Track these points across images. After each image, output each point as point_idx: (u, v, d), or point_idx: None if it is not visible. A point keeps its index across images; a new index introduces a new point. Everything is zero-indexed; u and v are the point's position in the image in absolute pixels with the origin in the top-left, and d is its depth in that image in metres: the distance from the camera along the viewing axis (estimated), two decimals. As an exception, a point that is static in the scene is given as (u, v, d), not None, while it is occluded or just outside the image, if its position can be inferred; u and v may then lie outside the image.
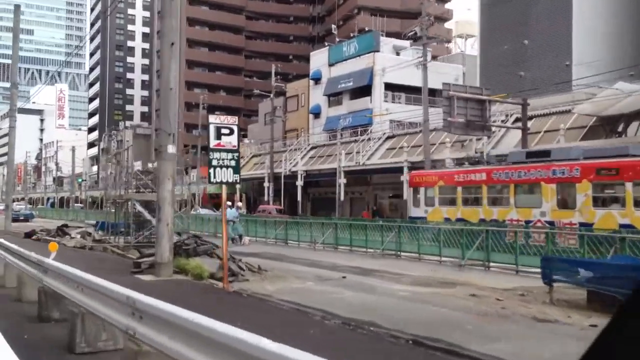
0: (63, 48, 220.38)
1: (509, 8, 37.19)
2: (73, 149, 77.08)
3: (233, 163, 9.79)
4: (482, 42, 41.89)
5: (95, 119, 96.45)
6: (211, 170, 9.66)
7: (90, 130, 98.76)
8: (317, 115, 45.50)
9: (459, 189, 19.09)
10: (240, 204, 34.68)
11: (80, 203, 67.42)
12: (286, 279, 12.13)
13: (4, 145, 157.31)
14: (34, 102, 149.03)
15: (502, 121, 29.95)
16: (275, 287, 10.93)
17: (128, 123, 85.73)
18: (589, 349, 0.94)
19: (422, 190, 21.28)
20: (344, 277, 12.56)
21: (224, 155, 9.71)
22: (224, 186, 9.98)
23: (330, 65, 45.19)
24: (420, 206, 20.84)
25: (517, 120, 29.15)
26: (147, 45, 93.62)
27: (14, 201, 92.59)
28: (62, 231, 22.09)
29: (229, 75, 71.12)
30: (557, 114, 27.74)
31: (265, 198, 45.86)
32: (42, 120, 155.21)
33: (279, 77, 49.32)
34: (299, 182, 41.37)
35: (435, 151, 32.52)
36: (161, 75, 11.84)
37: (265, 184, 45.92)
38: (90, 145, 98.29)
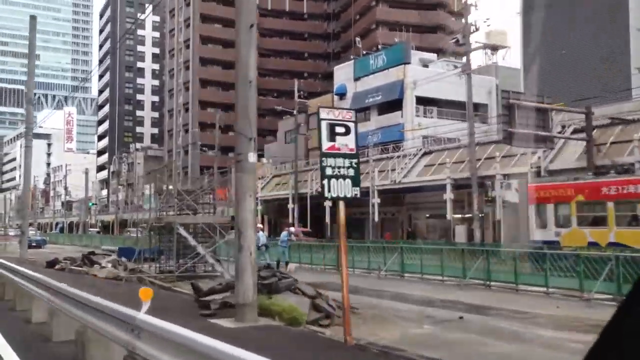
0: (69, 72, 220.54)
1: (553, 13, 35.16)
2: (86, 172, 75.04)
3: (352, 172, 7.35)
4: (524, 50, 39.83)
5: (104, 142, 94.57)
6: (325, 182, 7.23)
7: (100, 153, 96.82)
8: (342, 132, 43.44)
9: (610, 204, 15.99)
10: (260, 226, 32.34)
11: (95, 227, 64.89)
12: (394, 322, 9.62)
13: (11, 169, 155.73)
14: (40, 127, 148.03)
15: (559, 132, 27.60)
16: (392, 335, 8.43)
17: (139, 145, 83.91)
18: (597, 340, 0.95)
19: (549, 207, 18.05)
20: (461, 318, 10.04)
21: (340, 161, 7.29)
22: (341, 205, 7.45)
23: (356, 79, 43.11)
24: (549, 227, 17.63)
25: (575, 131, 26.81)
26: (157, 66, 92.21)
27: (33, 225, 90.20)
28: (89, 260, 19.59)
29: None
30: (623, 123, 25.32)
31: (290, 220, 43.38)
32: (49, 145, 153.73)
33: (302, 93, 47.30)
34: (328, 203, 38.98)
35: (481, 167, 30.14)
36: (238, 64, 9.53)
37: (290, 205, 43.50)
38: (100, 168, 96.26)
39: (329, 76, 71.51)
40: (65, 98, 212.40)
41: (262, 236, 21.57)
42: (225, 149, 62.95)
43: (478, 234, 26.50)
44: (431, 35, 60.60)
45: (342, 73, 45.08)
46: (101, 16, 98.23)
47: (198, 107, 67.93)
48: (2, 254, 30.14)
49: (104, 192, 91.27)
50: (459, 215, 32.49)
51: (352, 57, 47.71)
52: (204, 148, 65.97)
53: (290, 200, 43.54)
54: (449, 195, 30.66)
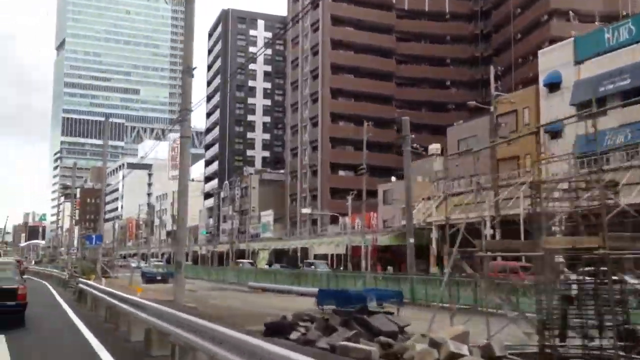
0: (167, 106, 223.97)
1: None
2: (204, 194, 68.02)
3: None
4: None
5: (212, 167, 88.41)
6: None
7: (207, 179, 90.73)
8: (555, 134, 32.32)
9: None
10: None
11: (246, 258, 55.79)
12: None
13: (114, 200, 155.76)
14: (142, 157, 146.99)
15: None
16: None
17: (251, 169, 76.63)
18: None
19: None
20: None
21: None
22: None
23: (578, 62, 32.23)
24: None
25: None
26: (269, 85, 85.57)
27: (127, 257, 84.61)
28: (360, 322, 9.62)
29: (376, 105, 59.60)
30: None
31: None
32: (150, 175, 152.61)
33: (449, 105, 37.01)
34: (559, 227, 27.89)
35: None
36: None
37: (487, 231, 32.69)
38: (207, 195, 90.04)
39: (474, 84, 61.14)
40: (163, 131, 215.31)
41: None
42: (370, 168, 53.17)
43: None
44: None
45: (553, 58, 34.33)
46: (210, 36, 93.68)
47: (329, 120, 59.22)
48: (143, 294, 21.64)
49: (212, 221, 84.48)
50: None
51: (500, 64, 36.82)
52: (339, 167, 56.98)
53: (487, 225, 32.81)
54: None
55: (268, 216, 65.66)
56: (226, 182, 78.98)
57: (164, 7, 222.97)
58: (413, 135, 32.67)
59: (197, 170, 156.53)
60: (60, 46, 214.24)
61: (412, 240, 28.48)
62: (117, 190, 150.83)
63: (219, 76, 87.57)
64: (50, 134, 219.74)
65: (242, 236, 66.12)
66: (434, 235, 36.94)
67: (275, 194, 70.67)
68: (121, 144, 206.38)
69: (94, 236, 30.36)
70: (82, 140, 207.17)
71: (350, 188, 55.31)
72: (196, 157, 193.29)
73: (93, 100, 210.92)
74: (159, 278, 37.14)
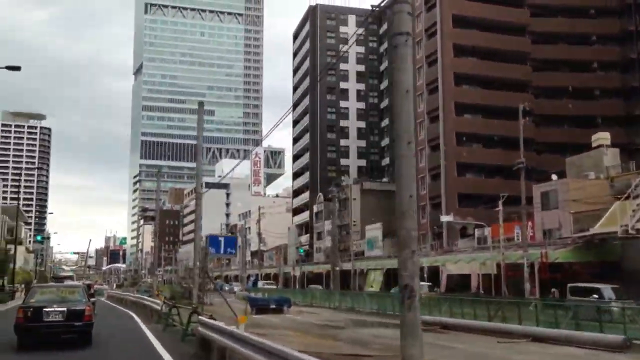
0: (241, 126, 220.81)
1: None
2: (292, 210, 59.54)
3: None
4: None
5: (302, 179, 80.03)
6: None
7: (296, 193, 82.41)
8: None
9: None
10: None
11: (352, 279, 46.42)
12: None
13: (192, 222, 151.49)
14: (219, 176, 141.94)
15: None
16: None
17: (350, 179, 67.57)
18: None
19: None
20: None
21: None
22: None
23: None
24: None
25: None
26: (362, 86, 76.67)
27: (220, 278, 76.69)
28: None
29: (507, 92, 48.83)
30: None
31: None
32: (227, 195, 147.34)
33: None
34: None
35: None
36: None
37: None
38: (295, 211, 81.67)
39: (632, 92, 49.82)
40: (237, 150, 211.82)
41: None
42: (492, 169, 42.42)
43: None
44: None
45: None
46: (295, 37, 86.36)
47: (453, 112, 49.15)
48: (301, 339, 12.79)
49: (304, 239, 75.84)
50: None
51: None
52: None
53: None
54: None
55: (375, 230, 55.99)
56: (319, 194, 70.26)
57: (237, 28, 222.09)
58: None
59: (276, 188, 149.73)
60: (138, 71, 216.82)
61: None
62: (194, 211, 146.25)
63: (306, 80, 79.73)
64: (129, 158, 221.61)
65: (341, 254, 56.96)
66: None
67: (378, 205, 61.17)
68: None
69: (222, 238, 21.68)
70: (159, 162, 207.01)
71: (481, 193, 45.04)
72: (272, 177, 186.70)
73: (170, 122, 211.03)
74: (273, 307, 28.22)
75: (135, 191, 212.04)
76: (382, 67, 74.35)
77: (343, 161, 74.76)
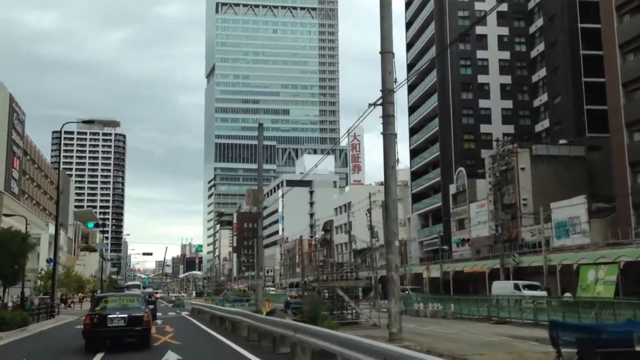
0: (317, 125, 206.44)
1: None
2: (412, 196, 42.62)
3: None
4: None
5: (424, 156, 62.71)
6: None
7: (415, 175, 65.18)
8: None
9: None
10: None
11: (542, 280, 28.27)
12: None
13: (273, 223, 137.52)
14: (301, 173, 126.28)
15: None
16: None
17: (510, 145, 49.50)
18: None
19: None
20: None
21: None
22: None
23: None
24: None
25: None
26: (505, 31, 58.74)
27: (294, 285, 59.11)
28: None
29: None
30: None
31: None
32: (311, 193, 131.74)
33: None
34: None
35: None
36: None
37: None
38: (416, 197, 64.38)
39: None
40: (315, 150, 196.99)
41: None
42: None
43: None
44: None
45: None
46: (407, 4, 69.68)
47: None
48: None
49: (427, 230, 58.45)
50: None
51: None
52: None
53: None
54: None
55: (571, 208, 37.86)
56: (460, 169, 52.86)
57: (311, 23, 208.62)
58: None
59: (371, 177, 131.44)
60: (210, 73, 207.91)
61: None
62: (276, 211, 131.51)
63: (427, 30, 62.87)
64: (203, 167, 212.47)
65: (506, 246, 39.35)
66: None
67: (557, 178, 43.50)
68: (273, 166, 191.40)
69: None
70: (234, 165, 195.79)
71: None
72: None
73: (244, 124, 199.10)
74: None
75: (210, 196, 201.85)
76: (530, 4, 56.20)
77: (483, 127, 57.03)
